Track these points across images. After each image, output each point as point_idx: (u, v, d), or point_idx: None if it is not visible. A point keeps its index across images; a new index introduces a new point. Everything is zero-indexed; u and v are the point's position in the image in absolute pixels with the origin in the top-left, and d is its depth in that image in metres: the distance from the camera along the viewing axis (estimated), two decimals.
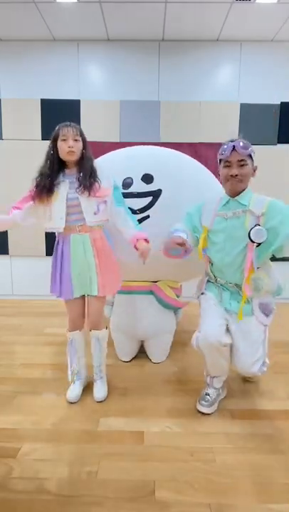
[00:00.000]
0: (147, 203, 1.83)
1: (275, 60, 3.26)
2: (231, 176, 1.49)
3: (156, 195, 1.83)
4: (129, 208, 1.75)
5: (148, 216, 1.82)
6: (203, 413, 1.64)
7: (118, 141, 3.29)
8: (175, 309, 2.16)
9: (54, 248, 1.68)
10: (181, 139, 3.29)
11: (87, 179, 1.54)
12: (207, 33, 3.11)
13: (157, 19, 2.89)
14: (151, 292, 2.02)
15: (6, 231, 3.44)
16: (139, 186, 1.84)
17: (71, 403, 1.72)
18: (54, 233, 1.68)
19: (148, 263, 1.78)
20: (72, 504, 1.16)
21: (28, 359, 2.21)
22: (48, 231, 1.67)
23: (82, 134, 1.59)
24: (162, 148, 2.09)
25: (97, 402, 1.74)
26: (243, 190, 1.54)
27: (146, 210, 1.82)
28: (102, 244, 1.65)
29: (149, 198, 1.83)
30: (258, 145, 3.29)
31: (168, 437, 1.49)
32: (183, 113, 3.27)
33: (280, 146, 3.32)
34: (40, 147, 3.27)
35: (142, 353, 2.22)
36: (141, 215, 1.82)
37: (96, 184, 1.56)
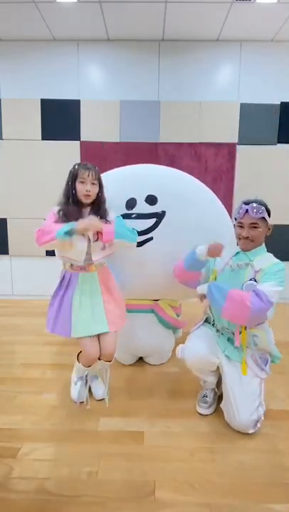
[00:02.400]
0: (151, 224, 1.80)
1: (275, 60, 3.26)
2: (242, 236, 1.52)
3: (160, 217, 1.81)
4: (132, 228, 1.75)
5: (151, 238, 1.80)
6: (202, 414, 1.64)
7: (118, 141, 3.29)
8: (174, 329, 2.16)
9: (57, 285, 1.69)
10: (181, 139, 3.29)
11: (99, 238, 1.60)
12: (207, 33, 3.11)
13: (157, 19, 2.89)
14: (152, 311, 2.02)
15: (6, 231, 3.45)
16: (142, 207, 1.81)
17: (75, 403, 1.72)
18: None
19: (150, 282, 1.80)
20: (72, 504, 1.16)
21: (28, 359, 2.21)
22: (61, 258, 1.67)
23: (99, 178, 1.63)
24: (166, 168, 2.07)
25: (97, 400, 1.74)
26: (256, 247, 1.55)
27: (149, 232, 1.80)
28: (109, 281, 1.71)
29: (153, 220, 1.81)
30: (258, 145, 3.30)
31: (168, 437, 1.49)
32: (183, 113, 3.27)
33: (280, 146, 3.32)
34: (40, 147, 3.32)
35: None
36: (144, 236, 1.79)
37: (109, 222, 1.63)
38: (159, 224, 1.80)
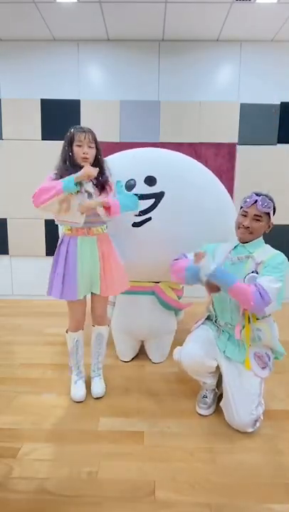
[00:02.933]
0: (150, 205, 1.82)
1: (275, 60, 3.26)
2: (243, 225, 1.52)
3: (158, 197, 1.83)
4: (133, 194, 1.78)
5: (150, 218, 1.82)
6: (202, 415, 1.64)
7: (118, 141, 3.29)
8: (176, 310, 2.16)
9: (57, 248, 1.68)
10: (181, 139, 3.29)
11: (103, 186, 1.62)
12: (207, 33, 3.11)
13: (157, 19, 2.89)
14: (152, 293, 2.02)
15: (6, 231, 3.45)
16: (142, 188, 1.83)
17: (76, 402, 1.72)
18: (55, 234, 1.67)
19: (149, 263, 1.77)
20: (72, 504, 1.16)
21: (28, 359, 2.21)
22: (60, 222, 1.66)
23: (96, 141, 1.63)
24: (166, 150, 2.08)
25: (96, 398, 1.75)
26: (254, 239, 1.55)
27: (148, 212, 1.82)
28: (108, 247, 1.70)
29: (152, 200, 1.82)
30: (258, 145, 3.30)
31: (168, 437, 1.49)
32: (183, 113, 3.27)
33: (280, 146, 3.32)
34: (40, 147, 3.32)
35: (142, 353, 2.22)
36: (143, 216, 1.81)
37: (109, 186, 1.65)
38: (157, 204, 1.82)
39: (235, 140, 3.28)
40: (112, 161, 1.93)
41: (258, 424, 1.51)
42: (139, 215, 1.81)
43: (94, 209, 1.58)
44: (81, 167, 1.56)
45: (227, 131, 3.28)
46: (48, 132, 3.31)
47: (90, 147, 1.58)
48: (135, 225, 1.82)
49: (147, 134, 3.29)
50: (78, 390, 1.74)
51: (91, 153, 1.59)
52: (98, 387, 1.78)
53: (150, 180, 1.84)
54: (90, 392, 1.78)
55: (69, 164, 1.58)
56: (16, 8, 2.76)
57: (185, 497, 1.19)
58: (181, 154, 2.09)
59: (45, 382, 1.93)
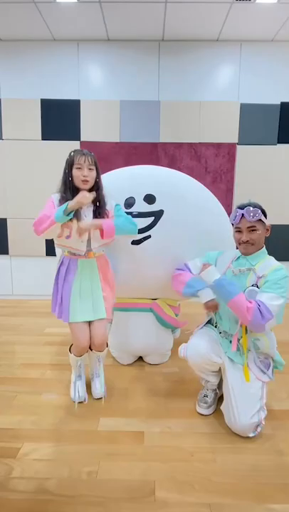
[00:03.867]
0: (149, 223, 1.82)
1: (275, 60, 3.26)
2: (242, 241, 1.51)
3: (158, 215, 1.82)
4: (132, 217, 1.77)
5: (149, 236, 1.81)
6: (202, 414, 1.64)
7: (118, 141, 3.29)
8: (173, 328, 2.15)
9: (57, 269, 1.70)
10: (181, 139, 3.29)
11: (101, 212, 1.63)
12: (207, 33, 3.11)
13: (157, 19, 2.89)
14: (150, 310, 2.02)
15: (6, 231, 3.45)
16: (141, 206, 1.83)
17: (76, 402, 1.72)
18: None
19: (147, 280, 1.80)
20: (72, 504, 1.16)
21: (28, 359, 2.21)
22: (62, 247, 1.68)
23: (96, 163, 1.62)
24: (165, 168, 2.10)
25: (96, 399, 1.74)
26: (257, 250, 1.54)
27: (147, 230, 1.81)
28: (107, 269, 1.73)
29: (151, 218, 1.82)
30: (258, 145, 3.30)
31: (168, 437, 1.49)
32: (183, 113, 3.27)
33: (280, 146, 3.32)
34: (40, 147, 3.32)
35: None
36: (142, 234, 1.81)
37: (106, 214, 1.65)
38: (157, 222, 1.82)
39: (235, 140, 3.28)
40: (109, 178, 1.93)
41: (259, 429, 1.49)
42: (139, 232, 1.80)
43: (90, 230, 1.59)
44: (79, 190, 1.58)
45: (227, 131, 3.28)
46: (48, 132, 3.31)
47: (90, 169, 1.59)
48: (134, 242, 1.81)
49: (147, 134, 3.29)
50: (78, 391, 1.74)
51: (91, 175, 1.59)
52: (98, 387, 1.78)
53: (149, 199, 1.84)
54: (89, 393, 1.78)
55: (68, 188, 1.59)
56: (16, 8, 2.77)
57: (185, 497, 1.19)
58: (180, 173, 2.10)
59: (45, 382, 1.93)
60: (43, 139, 3.32)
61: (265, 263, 1.51)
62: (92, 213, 1.62)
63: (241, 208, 1.50)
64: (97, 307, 1.68)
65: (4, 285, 3.61)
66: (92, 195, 1.56)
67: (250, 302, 1.39)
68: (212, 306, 1.54)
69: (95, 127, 3.29)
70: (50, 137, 3.30)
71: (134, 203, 1.83)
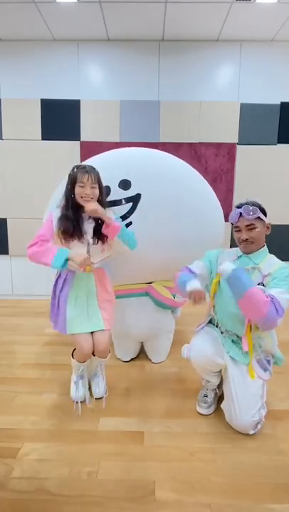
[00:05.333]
0: (128, 209, 1.81)
1: (275, 60, 3.26)
2: (242, 240, 1.50)
3: (135, 200, 1.81)
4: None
5: (130, 223, 1.80)
6: (202, 414, 1.64)
7: (118, 141, 3.29)
8: (172, 309, 2.15)
9: (55, 280, 1.72)
10: (181, 139, 3.29)
11: (101, 229, 1.62)
12: (207, 33, 3.11)
13: (157, 19, 2.89)
14: (146, 294, 2.02)
15: (6, 231, 3.45)
16: (117, 193, 1.81)
17: (76, 402, 1.72)
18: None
19: (137, 266, 1.78)
20: (72, 504, 1.16)
21: (28, 359, 2.20)
22: None
23: (99, 181, 1.62)
24: (139, 149, 2.05)
25: (97, 398, 1.74)
26: (258, 249, 1.53)
27: (127, 217, 1.81)
28: (104, 279, 1.73)
29: (130, 204, 1.81)
30: (258, 145, 3.30)
31: (168, 437, 1.49)
32: (183, 113, 3.27)
33: (280, 146, 3.32)
34: (40, 147, 3.32)
35: (142, 353, 2.22)
36: (123, 222, 1.78)
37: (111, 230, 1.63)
38: (136, 207, 1.80)
39: (235, 140, 3.28)
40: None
41: (259, 427, 1.50)
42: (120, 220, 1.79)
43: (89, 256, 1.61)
44: (81, 207, 1.58)
45: (227, 131, 3.28)
46: (48, 132, 3.31)
47: (92, 187, 1.58)
48: None
49: (147, 134, 3.29)
50: (78, 391, 1.74)
51: (93, 193, 1.58)
52: (99, 386, 1.78)
53: (124, 184, 1.82)
54: (90, 392, 1.78)
55: (70, 205, 1.59)
56: (16, 8, 2.76)
57: (185, 497, 1.19)
58: (154, 150, 2.06)
59: (45, 382, 1.93)
60: (43, 139, 3.32)
61: (269, 261, 1.50)
62: (93, 231, 1.63)
63: (239, 206, 1.50)
64: (95, 318, 1.68)
65: (4, 285, 3.61)
66: (108, 216, 1.57)
67: (266, 296, 1.35)
68: (196, 296, 1.43)
69: (95, 127, 3.29)
70: (50, 137, 3.30)
71: (110, 191, 1.80)
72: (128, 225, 1.80)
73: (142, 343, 2.18)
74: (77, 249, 1.59)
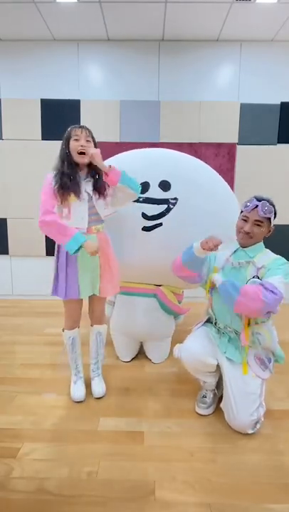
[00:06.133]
0: (162, 210, 1.79)
1: (275, 60, 3.26)
2: (244, 230, 1.50)
3: (171, 203, 1.80)
4: (142, 212, 1.77)
5: (161, 224, 1.80)
6: (202, 415, 1.64)
7: (118, 141, 3.29)
8: (176, 315, 2.16)
9: (56, 249, 1.68)
10: (181, 139, 3.29)
11: (102, 185, 1.62)
12: (207, 33, 3.11)
13: (157, 19, 2.89)
14: (154, 295, 2.02)
15: (6, 231, 3.45)
16: (155, 192, 1.80)
17: (76, 402, 1.72)
18: None
19: (154, 267, 1.79)
20: (72, 504, 1.16)
21: (28, 359, 2.21)
22: None
23: (93, 137, 1.64)
24: (181, 153, 2.04)
25: (96, 398, 1.75)
26: (254, 244, 1.54)
27: (159, 218, 1.80)
28: (107, 246, 1.69)
29: (164, 206, 1.80)
30: (258, 145, 3.30)
31: (168, 437, 1.49)
32: (183, 113, 3.27)
33: (280, 146, 3.32)
34: (40, 147, 3.32)
35: (142, 353, 2.22)
36: (154, 221, 1.79)
37: (105, 187, 1.63)
38: (170, 211, 1.79)
39: (235, 140, 3.28)
40: (122, 159, 1.89)
41: (258, 426, 1.51)
42: (151, 219, 1.78)
43: (96, 215, 1.63)
44: (77, 164, 1.58)
45: (227, 131, 3.28)
46: (48, 132, 3.31)
47: (87, 141, 1.59)
48: (145, 229, 1.80)
49: (147, 134, 3.29)
50: (78, 390, 1.75)
51: (89, 146, 1.58)
52: (98, 386, 1.78)
53: (164, 186, 1.80)
54: (90, 392, 1.78)
55: (66, 163, 1.58)
56: (16, 8, 2.76)
57: (185, 497, 1.19)
58: (195, 159, 2.05)
59: (45, 382, 1.93)
60: (43, 139, 3.31)
61: (264, 255, 1.51)
62: (92, 187, 1.62)
63: (259, 199, 1.49)
64: (95, 284, 1.67)
65: (4, 285, 3.61)
66: (104, 165, 1.56)
67: (257, 286, 1.39)
68: (211, 242, 1.47)
69: (95, 127, 3.23)
70: (50, 137, 3.29)
71: (149, 188, 1.79)
72: (158, 225, 1.79)
73: (141, 343, 2.18)
74: (77, 207, 1.58)
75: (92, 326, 1.82)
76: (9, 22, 2.96)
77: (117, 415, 1.64)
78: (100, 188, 1.62)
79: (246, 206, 1.51)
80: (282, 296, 1.37)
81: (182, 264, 1.63)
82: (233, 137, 3.28)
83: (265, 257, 1.51)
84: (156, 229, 1.80)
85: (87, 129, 1.62)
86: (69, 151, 1.59)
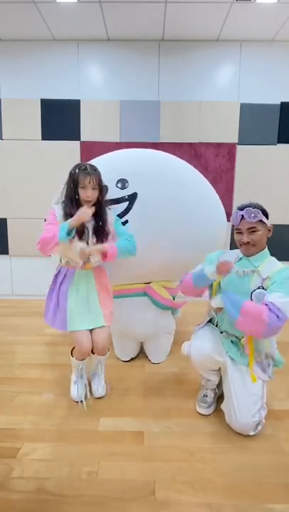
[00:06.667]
0: (124, 208, 1.82)
1: (275, 60, 3.26)
2: (243, 242, 1.49)
3: (132, 198, 1.82)
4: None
5: (127, 221, 1.82)
6: (202, 414, 1.64)
7: (118, 141, 3.29)
8: (172, 310, 2.15)
9: (53, 277, 1.73)
10: (181, 139, 3.29)
11: (102, 231, 1.65)
12: (207, 33, 3.11)
13: (157, 19, 2.89)
14: (144, 294, 2.01)
15: (6, 231, 3.45)
16: (114, 192, 1.82)
17: (76, 402, 1.72)
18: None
19: (135, 265, 1.80)
20: (72, 504, 1.16)
21: (28, 359, 2.20)
22: (60, 255, 1.71)
23: (100, 183, 1.64)
24: (137, 150, 2.09)
25: (97, 398, 1.75)
26: (258, 252, 1.52)
27: (124, 216, 1.82)
28: (103, 277, 1.75)
29: (126, 203, 1.82)
30: (258, 145, 3.30)
31: (168, 437, 1.49)
32: (183, 113, 3.27)
33: (280, 146, 3.32)
34: (40, 147, 3.32)
35: (142, 353, 2.22)
36: (121, 220, 1.81)
37: (106, 232, 1.67)
38: (132, 206, 1.82)
39: (235, 140, 3.28)
40: None
41: (259, 428, 1.50)
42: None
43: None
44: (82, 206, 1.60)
45: (227, 131, 3.28)
46: (48, 132, 3.31)
47: (93, 189, 1.61)
48: None
49: (147, 134, 3.29)
50: (78, 390, 1.74)
51: (94, 195, 1.61)
52: (99, 386, 1.78)
53: (122, 183, 1.84)
54: (90, 392, 1.78)
55: (74, 204, 1.60)
56: (16, 8, 2.76)
57: (185, 497, 1.19)
58: (153, 151, 2.08)
59: (45, 382, 1.93)
60: (43, 139, 3.31)
61: (269, 264, 1.49)
62: (92, 231, 1.64)
63: (241, 209, 1.48)
64: (96, 315, 1.69)
65: (4, 285, 3.61)
66: (91, 211, 1.58)
67: (262, 306, 1.36)
68: (224, 267, 1.44)
69: (95, 127, 3.29)
70: (50, 137, 3.29)
71: (107, 190, 1.81)
72: (124, 223, 1.81)
73: (141, 343, 2.18)
74: (77, 243, 1.59)
75: (93, 353, 1.77)
76: (9, 22, 2.96)
77: (117, 415, 1.63)
78: (100, 234, 1.64)
79: (233, 220, 1.51)
80: (286, 318, 1.33)
81: (194, 286, 1.61)
82: (233, 137, 3.28)
83: (270, 266, 1.48)
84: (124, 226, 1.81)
85: (95, 174, 1.61)
86: (78, 195, 1.60)
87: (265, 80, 3.28)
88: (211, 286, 1.63)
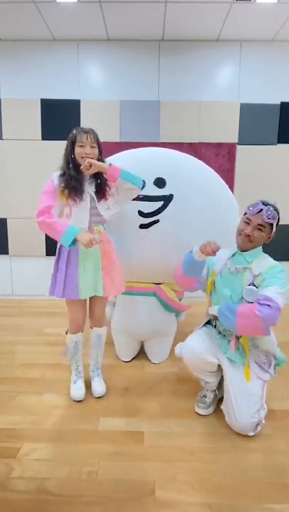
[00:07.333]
0: (158, 207, 1.81)
1: (275, 60, 3.26)
2: (245, 233, 1.49)
3: (167, 200, 1.81)
4: (139, 210, 1.78)
5: (157, 220, 1.81)
6: (201, 415, 1.64)
7: (118, 141, 3.29)
8: (177, 312, 2.16)
9: (58, 249, 1.69)
10: (181, 139, 3.29)
11: (103, 187, 1.63)
12: (207, 33, 3.11)
13: (157, 19, 2.89)
14: (154, 294, 2.02)
15: (6, 231, 3.45)
16: (150, 190, 1.81)
17: (76, 402, 1.72)
18: None
19: (152, 264, 1.78)
20: (72, 504, 1.16)
21: (28, 359, 2.21)
22: None
23: (98, 141, 1.64)
24: (177, 151, 2.07)
25: (97, 397, 1.75)
26: (253, 248, 1.53)
27: (156, 215, 1.81)
28: (108, 246, 1.70)
29: (160, 203, 1.81)
30: (258, 145, 3.30)
31: (168, 437, 1.49)
32: (183, 113, 3.27)
33: (280, 146, 3.32)
34: (40, 147, 3.32)
35: (142, 353, 2.22)
36: (151, 218, 1.80)
37: (107, 187, 1.64)
38: (166, 207, 1.81)
39: (235, 140, 3.28)
40: (117, 159, 1.90)
41: (259, 428, 1.50)
42: (148, 216, 1.79)
43: (96, 213, 1.63)
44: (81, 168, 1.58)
45: (227, 131, 3.28)
46: (48, 132, 3.31)
47: (92, 147, 1.60)
48: (142, 226, 1.81)
49: (147, 134, 3.28)
50: (78, 390, 1.75)
51: (94, 153, 1.61)
52: (99, 386, 1.78)
53: (159, 182, 1.83)
54: (90, 392, 1.78)
55: (71, 166, 1.60)
56: (16, 8, 2.76)
57: (185, 497, 1.19)
58: (190, 156, 2.07)
59: (45, 382, 1.93)
60: (43, 139, 3.31)
61: (261, 261, 1.50)
62: (95, 188, 1.63)
63: (265, 204, 1.48)
64: (98, 285, 1.67)
65: (4, 285, 3.61)
66: (103, 165, 1.57)
67: (252, 304, 1.39)
68: (209, 246, 1.45)
69: (94, 127, 3.24)
70: (50, 137, 3.29)
71: (144, 185, 1.78)
72: (155, 222, 1.81)
73: (142, 343, 2.18)
74: (79, 208, 1.60)
75: (92, 328, 1.81)
76: (9, 22, 2.96)
77: (117, 415, 1.64)
78: (102, 190, 1.63)
79: (250, 209, 1.50)
80: (279, 306, 1.35)
81: (183, 273, 1.63)
82: (233, 137, 3.28)
83: (262, 263, 1.49)
84: (153, 226, 1.81)
85: (92, 132, 1.61)
86: (74, 156, 1.60)
87: (265, 79, 3.28)
88: (206, 286, 1.64)
